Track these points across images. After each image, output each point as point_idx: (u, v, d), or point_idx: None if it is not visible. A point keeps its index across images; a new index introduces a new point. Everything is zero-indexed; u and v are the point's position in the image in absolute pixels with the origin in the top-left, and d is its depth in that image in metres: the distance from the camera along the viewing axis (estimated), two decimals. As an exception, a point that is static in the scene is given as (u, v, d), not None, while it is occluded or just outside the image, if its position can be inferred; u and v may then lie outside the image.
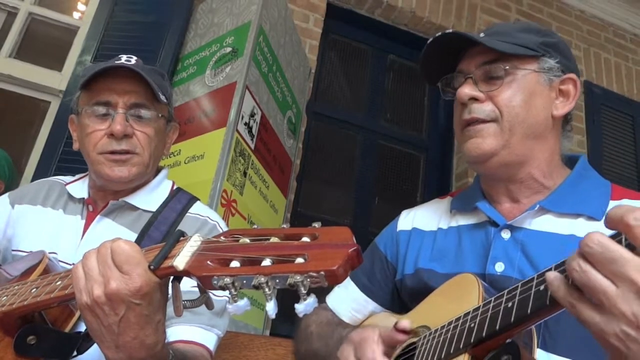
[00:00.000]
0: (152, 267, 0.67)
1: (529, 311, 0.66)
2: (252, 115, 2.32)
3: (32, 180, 2.14)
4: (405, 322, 0.86)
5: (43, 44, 2.97)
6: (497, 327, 0.69)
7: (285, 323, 2.68)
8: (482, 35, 1.02)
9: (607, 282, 0.57)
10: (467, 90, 0.99)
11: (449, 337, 0.78)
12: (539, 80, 1.00)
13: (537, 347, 0.76)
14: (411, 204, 1.27)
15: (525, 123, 0.97)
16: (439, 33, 1.02)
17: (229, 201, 2.11)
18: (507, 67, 0.98)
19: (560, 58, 1.02)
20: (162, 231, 1.16)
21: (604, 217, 0.91)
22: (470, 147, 0.99)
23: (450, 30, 1.02)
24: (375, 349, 0.85)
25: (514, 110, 0.97)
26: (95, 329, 0.73)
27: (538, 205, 0.96)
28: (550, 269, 0.65)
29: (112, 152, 1.15)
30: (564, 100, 1.02)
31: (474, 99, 0.99)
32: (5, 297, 0.88)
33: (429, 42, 1.04)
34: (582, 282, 0.59)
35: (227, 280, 0.56)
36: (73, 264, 1.11)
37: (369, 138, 3.59)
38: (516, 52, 0.98)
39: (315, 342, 1.10)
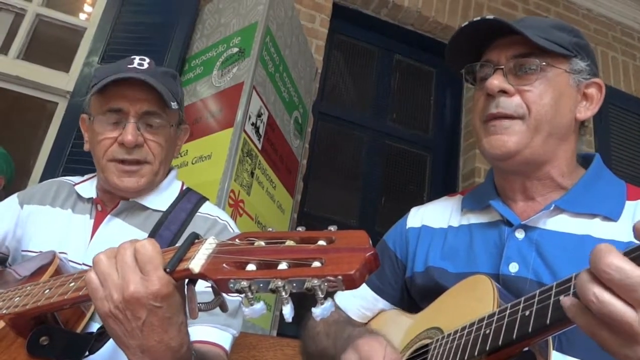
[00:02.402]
0: (167, 270, 0.67)
1: (548, 322, 0.64)
2: (259, 115, 2.32)
3: (40, 182, 2.14)
4: None
5: (50, 45, 2.98)
6: (514, 336, 0.68)
7: (293, 324, 2.68)
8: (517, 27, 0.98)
9: (627, 309, 0.55)
10: (497, 82, 0.96)
11: (462, 342, 0.77)
12: (569, 82, 0.98)
13: (554, 349, 0.75)
14: (417, 204, 1.27)
15: (552, 123, 0.95)
16: (478, 17, 0.99)
17: (237, 201, 2.11)
18: (543, 64, 0.95)
19: (590, 62, 1.00)
20: (173, 231, 1.16)
21: (620, 218, 0.91)
22: (495, 143, 0.96)
23: (492, 17, 0.98)
24: None
25: (543, 108, 0.95)
26: (120, 336, 0.72)
27: (553, 205, 0.94)
28: (570, 278, 0.64)
29: (123, 161, 1.15)
30: (587, 104, 1.00)
31: (503, 92, 0.96)
32: (18, 298, 0.88)
33: (464, 25, 1.00)
34: (601, 313, 0.57)
35: (244, 283, 0.56)
36: (83, 263, 1.12)
37: (375, 138, 3.58)
38: (553, 49, 0.95)
39: (323, 340, 1.09)
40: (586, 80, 0.99)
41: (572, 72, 0.98)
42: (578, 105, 0.99)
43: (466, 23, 1.00)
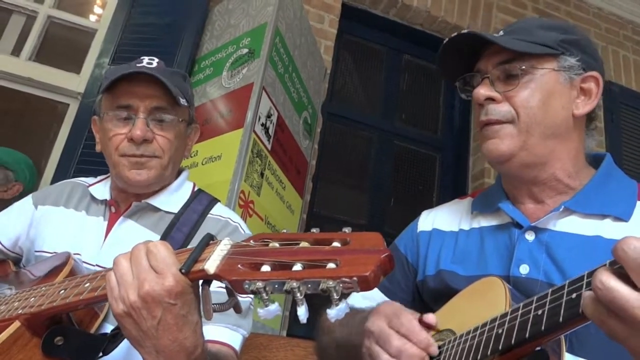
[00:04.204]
0: (183, 270, 0.68)
1: (560, 320, 0.64)
2: (268, 116, 2.32)
3: (52, 182, 2.16)
4: (431, 316, 0.83)
5: (61, 46, 3.01)
6: (527, 335, 0.68)
7: (302, 324, 2.68)
8: (501, 33, 1.00)
9: (632, 294, 0.55)
10: (482, 91, 0.98)
11: (475, 343, 0.77)
12: (559, 80, 0.97)
13: (565, 351, 0.75)
14: (427, 204, 1.27)
15: (543, 124, 0.95)
16: (455, 33, 1.01)
17: (247, 202, 2.12)
18: (524, 67, 0.96)
19: (582, 55, 0.98)
20: (184, 232, 1.17)
21: (631, 218, 0.90)
22: (490, 147, 0.98)
23: (466, 30, 1.00)
24: (412, 319, 0.83)
25: (532, 110, 0.95)
26: (135, 335, 0.73)
27: (563, 206, 0.94)
28: (582, 276, 0.64)
29: (132, 156, 1.16)
30: (585, 98, 0.99)
31: (491, 100, 0.98)
32: (33, 298, 0.89)
33: (444, 42, 1.02)
34: (607, 300, 0.57)
35: (259, 284, 0.56)
36: (97, 265, 1.13)
37: (384, 139, 3.58)
38: (533, 50, 0.95)
39: (337, 330, 1.09)
40: (579, 75, 0.98)
41: (561, 70, 0.97)
42: (574, 101, 0.98)
43: (446, 40, 1.02)
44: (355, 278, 0.53)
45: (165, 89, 1.17)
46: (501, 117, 0.96)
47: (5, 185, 2.35)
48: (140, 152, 1.16)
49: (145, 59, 1.21)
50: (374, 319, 0.88)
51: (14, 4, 2.80)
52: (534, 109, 0.95)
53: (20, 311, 0.87)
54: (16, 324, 0.84)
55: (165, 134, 1.19)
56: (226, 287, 0.65)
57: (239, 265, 0.61)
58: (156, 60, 1.21)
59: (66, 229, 1.21)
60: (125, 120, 1.17)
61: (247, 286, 0.58)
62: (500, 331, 0.73)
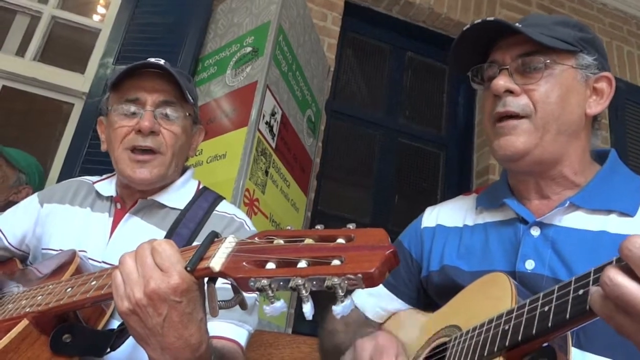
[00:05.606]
0: (188, 268, 0.68)
1: (567, 316, 0.64)
2: (272, 114, 2.33)
3: (57, 182, 2.17)
4: None
5: (66, 46, 3.02)
6: (534, 331, 0.68)
7: (307, 321, 2.69)
8: (519, 26, 0.98)
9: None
10: (502, 82, 0.96)
11: (482, 339, 0.77)
12: (576, 77, 0.97)
13: (572, 346, 0.75)
14: (431, 201, 1.27)
15: (560, 120, 0.95)
16: (479, 20, 0.99)
17: (252, 200, 2.12)
18: (548, 61, 0.95)
19: (597, 55, 0.99)
20: (190, 228, 1.17)
21: (636, 214, 0.90)
22: (504, 144, 0.96)
23: (492, 18, 0.98)
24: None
25: (550, 106, 0.94)
26: (140, 332, 0.73)
27: (568, 202, 0.94)
28: (589, 273, 0.64)
29: (136, 148, 1.17)
30: (597, 98, 0.99)
31: (509, 92, 0.96)
32: (41, 297, 0.90)
33: (465, 28, 1.00)
34: (614, 295, 0.57)
35: (264, 282, 0.57)
36: (103, 261, 1.14)
37: (388, 136, 3.57)
38: (557, 45, 0.95)
39: (341, 336, 1.10)
40: (595, 74, 0.98)
41: (579, 68, 0.97)
42: (587, 100, 0.98)
43: (467, 26, 1.00)
44: (360, 275, 0.53)
45: (173, 85, 1.19)
46: (520, 110, 0.95)
47: (16, 188, 2.37)
48: (147, 143, 1.16)
49: (152, 60, 1.21)
50: (365, 341, 0.92)
51: (18, 5, 2.82)
52: (552, 105, 0.94)
53: (28, 309, 0.88)
54: (24, 322, 0.85)
55: (172, 127, 1.19)
56: (231, 284, 0.66)
57: (244, 263, 0.61)
58: (162, 60, 1.22)
59: (72, 226, 1.22)
60: (132, 114, 1.18)
61: (252, 284, 0.58)
62: (506, 327, 0.73)
